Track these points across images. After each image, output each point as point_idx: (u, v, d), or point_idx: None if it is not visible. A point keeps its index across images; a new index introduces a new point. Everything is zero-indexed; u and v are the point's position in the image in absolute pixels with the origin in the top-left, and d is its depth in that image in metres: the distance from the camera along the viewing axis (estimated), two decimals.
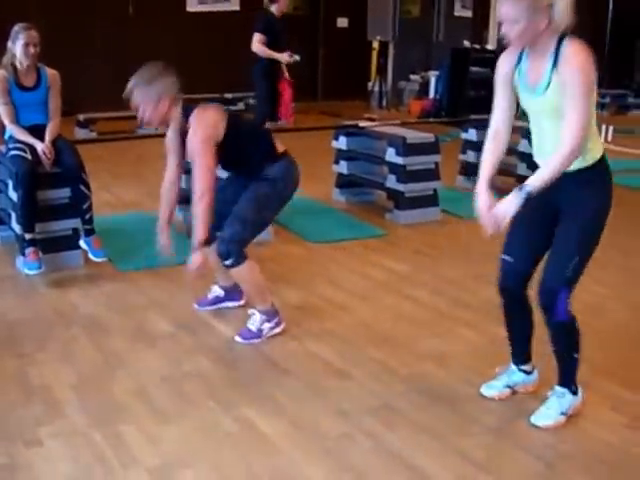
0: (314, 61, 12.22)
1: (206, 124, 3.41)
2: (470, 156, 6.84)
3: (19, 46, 4.36)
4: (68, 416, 2.91)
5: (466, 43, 10.99)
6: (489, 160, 2.89)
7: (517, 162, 6.44)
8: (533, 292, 2.84)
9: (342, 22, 12.60)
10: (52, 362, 3.37)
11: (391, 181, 5.80)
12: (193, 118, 3.42)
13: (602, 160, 2.74)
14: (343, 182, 6.35)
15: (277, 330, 3.65)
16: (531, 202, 2.74)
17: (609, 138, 9.50)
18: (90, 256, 4.47)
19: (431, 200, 5.81)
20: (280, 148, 3.66)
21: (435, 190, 5.82)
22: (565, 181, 2.67)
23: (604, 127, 9.59)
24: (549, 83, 2.61)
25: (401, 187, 5.70)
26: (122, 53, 11.13)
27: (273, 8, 7.78)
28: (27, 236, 4.28)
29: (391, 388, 3.17)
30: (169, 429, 2.84)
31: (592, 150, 2.70)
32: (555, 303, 2.72)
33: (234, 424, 2.88)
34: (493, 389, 3.09)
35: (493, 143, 2.90)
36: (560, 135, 2.60)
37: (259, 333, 3.61)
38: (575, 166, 2.66)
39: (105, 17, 10.94)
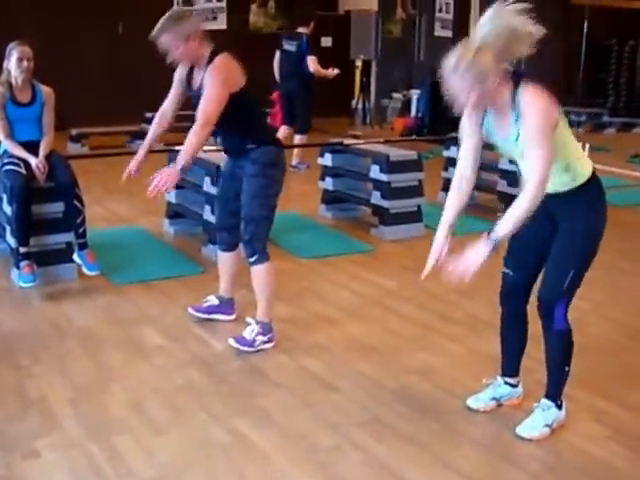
0: None
1: (230, 69, 3.53)
2: (452, 173, 6.89)
3: (13, 61, 4.41)
4: (64, 428, 2.96)
5: None
6: (453, 207, 2.94)
7: (498, 179, 6.57)
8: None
9: (326, 41, 12.73)
10: (48, 374, 3.42)
11: (376, 197, 5.90)
12: (219, 59, 3.51)
13: (593, 177, 2.82)
14: (329, 198, 6.44)
15: (268, 345, 3.73)
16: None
17: (585, 155, 9.69)
18: (84, 270, 4.52)
19: (415, 216, 5.92)
20: (273, 134, 3.80)
21: (419, 206, 5.93)
22: (559, 200, 2.76)
23: (580, 145, 9.79)
24: (517, 135, 2.66)
25: (386, 203, 5.81)
26: (112, 70, 11.24)
27: (306, 30, 8.27)
28: (22, 249, 4.33)
29: (379, 401, 3.23)
30: (163, 440, 2.89)
31: (581, 170, 2.78)
32: (553, 314, 2.83)
33: (226, 436, 2.93)
34: (479, 402, 3.17)
35: (458, 192, 2.93)
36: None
37: (252, 343, 3.69)
38: (567, 187, 2.74)
39: (96, 35, 11.05)
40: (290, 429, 2.99)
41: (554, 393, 2.96)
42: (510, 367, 3.15)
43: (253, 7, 12.77)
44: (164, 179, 3.40)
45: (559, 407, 2.98)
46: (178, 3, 11.86)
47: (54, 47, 9.54)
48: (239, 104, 3.54)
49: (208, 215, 5.18)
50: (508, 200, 6.61)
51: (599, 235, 2.87)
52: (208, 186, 5.18)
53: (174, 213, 5.82)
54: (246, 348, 3.67)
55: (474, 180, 2.93)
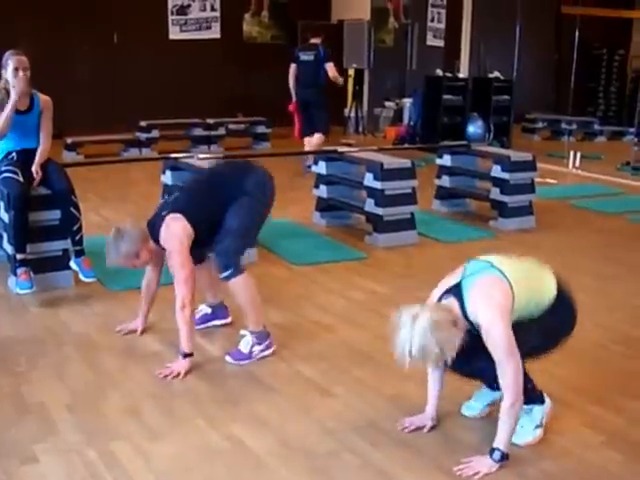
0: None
1: (177, 240, 3.53)
2: (445, 181, 7.03)
3: (9, 71, 4.43)
4: (62, 433, 2.97)
5: (438, 71, 11.23)
6: (435, 389, 3.07)
7: (491, 187, 6.63)
8: None
9: None
10: (46, 380, 3.43)
11: (370, 205, 5.94)
12: (164, 241, 3.56)
13: (558, 301, 2.89)
14: (323, 206, 6.48)
15: (267, 352, 3.73)
16: None
17: (577, 164, 9.78)
18: (81, 277, 4.54)
19: (408, 223, 5.96)
20: (245, 166, 3.84)
21: (412, 214, 5.97)
22: None
23: (572, 153, 9.88)
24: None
25: (379, 211, 5.85)
26: (107, 79, 11.33)
27: (319, 40, 8.79)
28: (19, 256, 4.34)
29: (375, 407, 3.25)
30: (161, 446, 2.91)
31: (548, 296, 2.87)
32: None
33: (223, 441, 2.95)
34: (473, 410, 3.19)
35: (436, 373, 3.04)
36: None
37: (249, 355, 3.69)
38: (531, 316, 2.84)
39: (91, 45, 11.13)
40: (287, 435, 3.01)
41: (528, 401, 2.94)
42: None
43: (246, 16, 12.86)
44: (175, 371, 3.50)
45: (541, 402, 3.00)
46: (173, 13, 11.94)
47: (49, 56, 9.60)
48: (205, 227, 3.61)
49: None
50: (501, 208, 6.72)
51: (565, 331, 2.99)
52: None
53: None
54: (244, 362, 3.66)
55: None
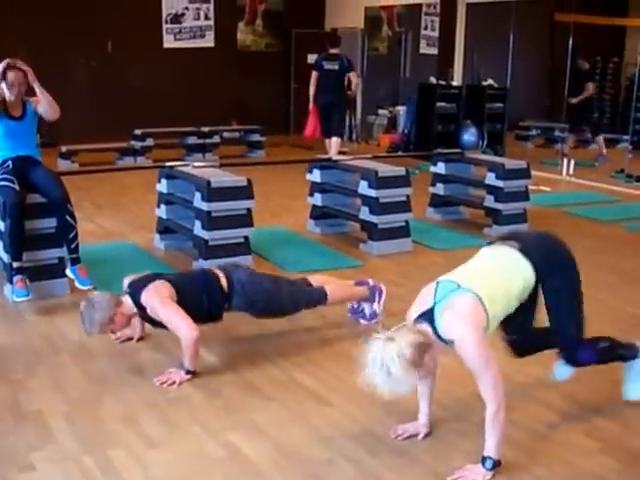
0: (286, 95, 12.48)
1: (159, 295, 3.58)
2: (439, 189, 7.05)
3: (4, 85, 4.49)
4: (59, 441, 2.98)
5: (432, 79, 11.28)
6: (425, 397, 3.09)
7: (485, 195, 6.66)
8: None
9: (312, 58, 12.89)
10: (42, 388, 3.44)
11: (364, 213, 5.96)
12: (146, 300, 3.59)
13: (541, 269, 2.99)
14: (318, 214, 6.50)
15: (382, 301, 4.29)
16: None
17: (571, 171, 9.82)
18: (77, 284, 4.56)
19: (403, 231, 5.98)
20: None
21: (407, 222, 5.99)
22: None
23: (565, 161, 9.93)
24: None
25: (374, 219, 5.87)
26: (102, 88, 11.35)
27: (339, 50, 9.61)
28: (15, 264, 4.36)
29: (371, 414, 3.26)
30: (157, 454, 2.92)
31: (525, 290, 2.96)
32: (578, 360, 3.11)
33: (219, 449, 2.96)
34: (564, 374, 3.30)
35: (426, 382, 3.04)
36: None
37: (375, 313, 4.26)
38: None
39: (86, 54, 11.16)
40: (283, 442, 3.02)
41: (630, 357, 3.20)
42: None
43: (241, 25, 12.90)
44: (172, 380, 3.53)
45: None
46: (166, 22, 11.98)
47: (43, 64, 9.56)
48: (188, 300, 3.66)
49: (198, 230, 5.22)
50: (495, 215, 6.74)
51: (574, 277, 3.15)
52: (198, 202, 5.22)
53: (164, 228, 5.86)
54: (374, 320, 4.16)
55: (436, 370, 3.04)
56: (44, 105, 4.60)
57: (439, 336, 2.77)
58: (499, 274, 2.94)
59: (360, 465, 2.87)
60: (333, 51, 9.57)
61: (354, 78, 9.68)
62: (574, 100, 11.15)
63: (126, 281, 3.79)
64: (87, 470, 2.79)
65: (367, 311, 4.28)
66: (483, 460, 2.75)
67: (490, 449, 2.75)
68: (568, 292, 3.04)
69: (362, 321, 4.26)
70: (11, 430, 3.07)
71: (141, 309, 3.62)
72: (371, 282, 4.34)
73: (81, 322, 3.58)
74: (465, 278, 2.88)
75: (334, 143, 9.38)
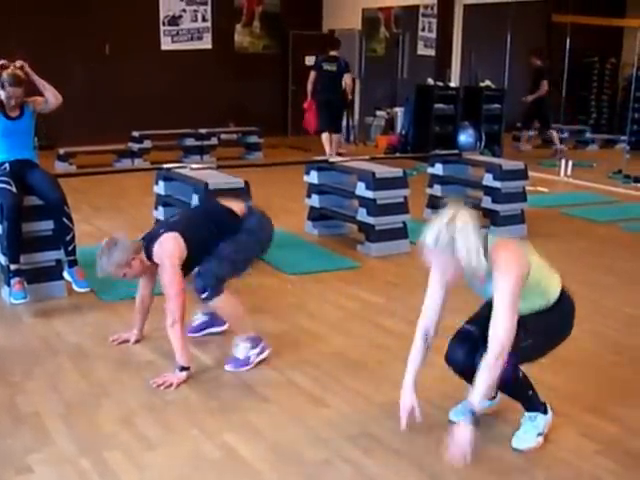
0: (284, 97, 12.50)
1: (169, 258, 3.56)
2: (437, 190, 7.05)
3: (2, 95, 4.51)
4: (56, 444, 2.99)
5: (429, 80, 11.30)
6: (417, 361, 3.02)
7: (482, 196, 6.66)
8: None
9: (310, 60, 12.91)
10: (40, 391, 3.45)
11: (362, 214, 5.96)
12: (156, 256, 3.59)
13: (562, 294, 2.94)
14: (315, 215, 6.51)
15: (263, 355, 3.77)
16: None
17: (569, 172, 9.83)
18: (74, 287, 4.56)
19: (401, 232, 5.98)
20: (241, 211, 3.83)
21: (404, 223, 5.99)
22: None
23: (563, 162, 9.94)
24: (492, 288, 2.76)
25: (372, 220, 5.87)
26: (100, 90, 11.36)
27: (337, 52, 10.22)
28: (12, 267, 4.36)
29: (368, 415, 3.26)
30: (154, 456, 2.92)
31: (554, 291, 2.91)
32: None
33: (216, 450, 2.96)
34: (462, 415, 3.21)
35: (423, 343, 3.02)
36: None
37: (247, 360, 3.72)
38: (539, 309, 2.88)
39: (83, 56, 11.18)
40: (280, 444, 3.03)
41: (532, 407, 3.03)
42: None
43: (238, 27, 12.92)
44: (169, 381, 3.51)
45: (544, 412, 3.04)
46: (164, 24, 11.99)
47: (41, 67, 9.57)
48: (199, 248, 3.64)
49: None
50: (492, 216, 6.74)
51: (562, 333, 3.00)
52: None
53: None
54: (244, 368, 3.69)
55: (435, 333, 3.02)
56: (47, 96, 4.63)
57: (485, 251, 2.72)
58: (544, 265, 2.94)
59: (357, 466, 2.87)
60: (333, 53, 10.13)
61: (348, 79, 10.17)
62: (529, 98, 11.37)
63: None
64: (84, 472, 2.79)
65: (241, 353, 3.74)
66: (463, 410, 2.73)
67: (474, 399, 2.70)
68: (554, 325, 2.97)
69: (229, 367, 3.72)
70: (8, 432, 3.07)
71: (150, 260, 3.61)
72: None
73: (97, 259, 3.58)
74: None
75: (335, 140, 10.15)
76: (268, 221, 3.92)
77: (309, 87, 10.11)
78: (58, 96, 4.68)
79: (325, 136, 10.09)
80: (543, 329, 2.90)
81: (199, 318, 4.13)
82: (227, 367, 3.71)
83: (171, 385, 3.50)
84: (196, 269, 3.69)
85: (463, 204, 2.74)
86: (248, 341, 3.74)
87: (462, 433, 2.70)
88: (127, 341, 3.98)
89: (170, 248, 3.57)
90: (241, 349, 3.74)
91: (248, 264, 3.85)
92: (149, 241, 3.64)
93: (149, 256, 3.61)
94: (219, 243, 3.69)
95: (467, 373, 2.96)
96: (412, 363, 3.02)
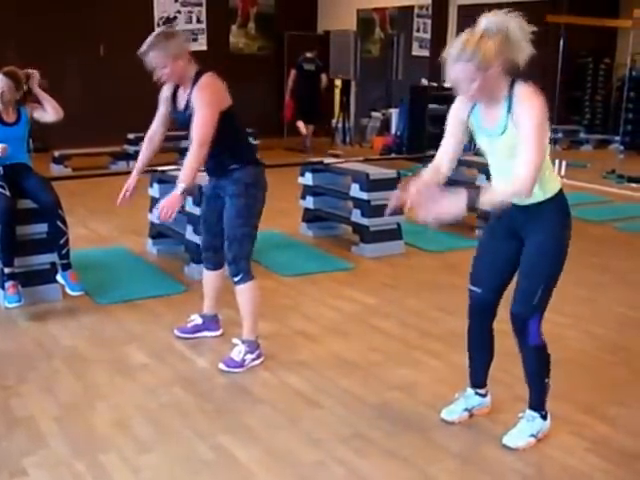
0: (279, 98, 12.50)
1: (217, 88, 3.56)
2: None
3: None
4: (51, 446, 2.99)
5: (424, 81, 11.31)
6: (431, 171, 2.95)
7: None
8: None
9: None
10: (34, 394, 3.45)
11: (356, 215, 5.98)
12: (205, 78, 3.54)
13: (560, 193, 2.89)
14: (310, 217, 6.52)
15: (257, 362, 3.78)
16: (495, 232, 2.93)
17: (562, 172, 9.84)
18: (67, 290, 4.56)
19: (395, 234, 6.00)
20: (255, 154, 3.87)
21: (399, 224, 6.00)
22: (526, 213, 2.82)
23: (557, 162, 9.95)
24: (505, 127, 2.71)
25: (366, 221, 5.89)
26: (94, 92, 11.34)
27: (314, 54, 11.75)
28: (6, 270, 4.36)
29: (362, 416, 3.27)
30: (149, 458, 2.93)
31: (551, 184, 2.85)
32: (527, 329, 2.87)
33: (211, 452, 2.97)
34: (453, 414, 3.23)
35: (433, 173, 2.95)
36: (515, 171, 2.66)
37: (242, 363, 3.73)
38: (536, 199, 2.79)
39: (77, 57, 11.16)
40: (274, 445, 3.04)
41: (537, 405, 3.04)
42: (479, 379, 3.24)
43: (233, 28, 12.92)
44: (167, 208, 3.44)
45: (544, 417, 3.05)
46: (159, 25, 11.98)
47: (35, 68, 9.59)
48: (226, 124, 3.57)
49: (190, 235, 5.23)
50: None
51: (565, 248, 2.92)
52: (190, 206, 5.23)
53: (157, 233, 5.86)
54: (237, 369, 3.71)
55: (447, 173, 2.96)
56: (48, 110, 4.63)
57: (511, 89, 2.69)
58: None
59: (350, 467, 2.88)
60: (309, 55, 11.65)
61: (324, 78, 11.81)
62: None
63: None
64: (79, 475, 2.80)
65: (237, 355, 3.74)
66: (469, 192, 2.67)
67: (483, 197, 2.66)
68: (554, 255, 2.90)
69: (223, 366, 3.72)
70: (3, 435, 3.07)
71: (194, 81, 3.53)
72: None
73: (147, 41, 3.49)
74: None
75: (311, 128, 11.80)
76: (264, 177, 3.84)
77: (290, 84, 11.67)
78: (59, 111, 4.67)
79: (301, 123, 11.68)
80: (546, 266, 2.86)
81: (194, 320, 4.14)
82: (221, 365, 3.73)
83: (171, 214, 3.43)
84: (227, 257, 3.70)
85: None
86: (247, 344, 3.76)
87: (454, 203, 2.66)
88: (128, 190, 3.97)
89: (217, 84, 3.54)
90: (238, 351, 3.75)
91: (257, 226, 3.83)
92: (201, 69, 3.58)
93: (198, 77, 3.52)
94: (229, 155, 3.66)
95: (484, 323, 3.07)
96: (425, 174, 2.94)
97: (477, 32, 2.66)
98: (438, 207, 2.69)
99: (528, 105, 2.66)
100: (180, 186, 3.47)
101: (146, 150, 3.99)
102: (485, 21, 2.68)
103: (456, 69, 2.66)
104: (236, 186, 3.67)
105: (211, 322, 4.13)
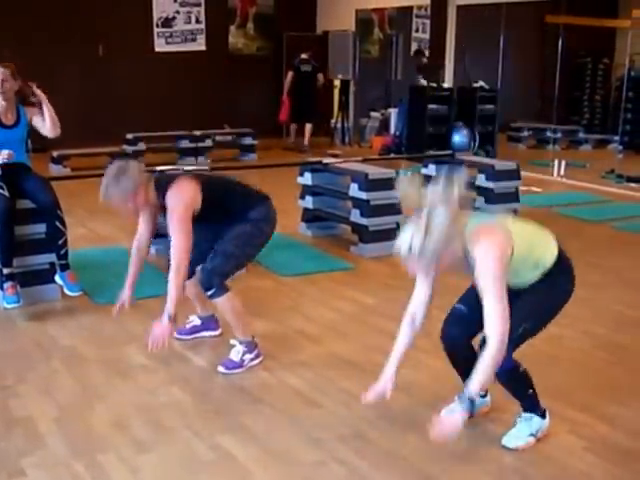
0: (278, 99, 12.48)
1: (183, 202, 3.48)
2: (430, 190, 7.05)
3: None
4: (50, 447, 2.99)
5: (423, 81, 11.32)
6: (404, 345, 3.01)
7: (476, 196, 6.69)
8: None
9: None
10: (33, 394, 3.45)
11: (355, 215, 5.97)
12: (170, 197, 3.48)
13: (557, 263, 2.89)
14: (309, 217, 6.52)
15: (256, 362, 3.78)
16: None
17: (562, 172, 9.86)
18: (65, 291, 4.55)
19: (394, 233, 5.85)
20: (258, 193, 3.81)
21: (398, 224, 5.99)
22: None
23: (557, 162, 9.97)
24: (473, 268, 2.74)
25: (365, 221, 5.88)
26: (93, 92, 11.34)
27: (309, 55, 11.92)
28: (5, 270, 4.35)
29: (361, 416, 3.26)
30: (148, 459, 2.92)
31: (549, 259, 2.87)
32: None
33: (210, 452, 2.97)
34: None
35: (410, 328, 3.00)
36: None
37: (241, 363, 3.73)
38: (535, 280, 2.84)
39: (76, 57, 11.15)
40: (273, 445, 3.03)
41: (531, 409, 3.04)
42: None
43: (232, 28, 12.91)
44: (159, 338, 3.45)
45: (542, 416, 3.05)
46: (157, 25, 11.99)
47: (34, 68, 9.56)
48: (212, 206, 3.56)
49: None
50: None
51: (561, 302, 2.95)
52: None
53: (156, 233, 5.84)
54: (237, 370, 3.70)
55: (423, 321, 3.01)
56: (46, 122, 4.60)
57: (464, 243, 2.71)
58: (536, 232, 2.95)
59: (350, 467, 2.88)
60: (304, 56, 11.82)
61: (320, 77, 12.00)
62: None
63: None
64: (77, 475, 2.79)
65: (236, 356, 3.75)
66: (460, 396, 2.70)
67: (474, 385, 2.67)
68: (547, 300, 2.93)
69: (222, 368, 3.72)
70: (1, 436, 3.07)
71: (162, 204, 3.50)
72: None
73: (105, 183, 3.41)
74: (503, 217, 2.96)
75: (308, 129, 11.88)
76: (275, 213, 3.83)
77: (287, 85, 11.87)
78: (57, 127, 4.64)
79: (293, 127, 12.10)
80: (536, 309, 2.87)
81: (192, 321, 4.14)
82: (220, 368, 3.72)
83: (163, 344, 3.43)
84: (200, 266, 3.67)
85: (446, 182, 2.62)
86: (244, 345, 3.75)
87: (455, 418, 2.69)
88: (123, 306, 3.82)
89: (187, 189, 3.49)
90: (236, 352, 3.75)
91: (251, 258, 3.83)
92: (165, 180, 3.54)
93: (163, 194, 3.48)
94: (225, 228, 3.62)
95: (458, 352, 3.05)
96: (396, 351, 3.01)
97: (422, 226, 2.60)
98: (442, 428, 2.71)
99: (485, 263, 2.67)
100: (167, 314, 3.45)
101: (136, 262, 3.84)
102: (427, 212, 2.62)
103: (413, 265, 2.69)
104: (247, 222, 3.67)
105: (210, 322, 4.13)
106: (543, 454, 2.99)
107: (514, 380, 2.96)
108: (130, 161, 3.53)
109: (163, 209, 3.53)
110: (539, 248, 2.89)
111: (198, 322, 4.12)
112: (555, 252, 2.90)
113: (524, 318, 2.83)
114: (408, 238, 2.62)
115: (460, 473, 2.88)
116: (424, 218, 2.59)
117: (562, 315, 4.37)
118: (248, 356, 3.75)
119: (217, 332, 4.13)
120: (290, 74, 11.89)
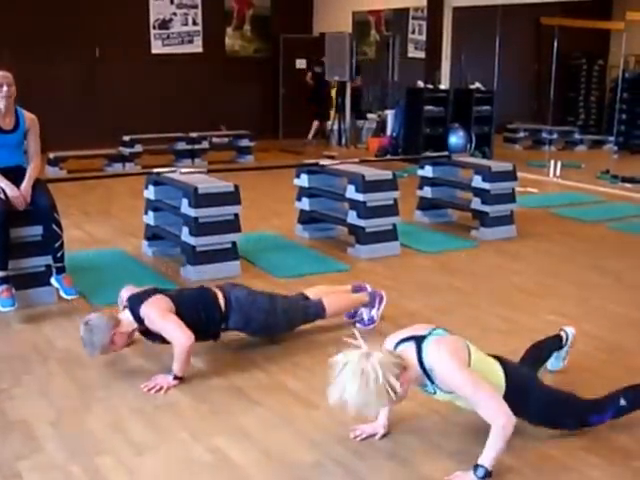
0: (275, 100, 12.52)
1: (157, 308, 3.60)
2: (427, 192, 7.07)
3: None
4: (46, 450, 2.98)
5: (420, 83, 11.33)
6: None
7: (472, 197, 6.69)
8: None
9: (301, 63, 12.96)
10: (29, 397, 3.44)
11: (352, 217, 5.98)
12: (146, 319, 3.60)
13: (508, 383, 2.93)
14: (306, 218, 6.51)
15: (382, 306, 4.37)
16: None
17: (557, 173, 9.88)
18: (61, 293, 4.53)
19: (391, 235, 6.00)
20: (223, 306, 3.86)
21: (394, 225, 6.01)
22: None
23: (552, 162, 9.98)
24: (435, 392, 2.85)
25: (362, 222, 5.89)
26: (90, 93, 11.34)
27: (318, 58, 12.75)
28: (0, 273, 4.33)
29: (359, 418, 3.22)
30: (145, 460, 2.92)
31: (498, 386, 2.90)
32: None
33: (207, 454, 2.96)
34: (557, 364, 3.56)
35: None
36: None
37: (372, 319, 4.32)
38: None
39: (73, 59, 11.15)
40: (271, 446, 3.03)
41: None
42: None
43: (229, 30, 12.92)
44: (159, 386, 3.53)
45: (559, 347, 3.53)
46: (154, 27, 11.99)
47: (31, 70, 9.60)
48: (187, 315, 3.67)
49: (186, 237, 5.23)
50: (482, 217, 6.76)
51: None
52: (186, 208, 5.23)
53: (152, 235, 5.86)
54: (371, 326, 4.28)
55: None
56: (32, 160, 4.62)
57: (421, 361, 2.79)
58: (486, 359, 2.99)
59: (348, 468, 2.88)
60: (318, 58, 12.28)
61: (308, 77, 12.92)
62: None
63: (124, 294, 3.80)
64: (74, 478, 2.79)
65: (365, 316, 4.33)
66: (475, 468, 2.74)
67: (486, 459, 2.73)
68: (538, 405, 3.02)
69: (359, 326, 4.22)
70: None
71: (140, 322, 3.62)
72: (369, 288, 4.45)
73: (83, 346, 3.58)
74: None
75: (315, 125, 12.74)
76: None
77: (310, 84, 12.80)
78: (38, 169, 4.65)
79: (315, 124, 12.84)
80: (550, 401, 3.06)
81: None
82: (357, 325, 4.20)
83: (161, 389, 3.51)
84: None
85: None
86: (366, 306, 4.31)
87: (471, 477, 2.75)
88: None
89: (157, 305, 3.62)
90: (364, 313, 4.31)
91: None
92: (135, 302, 3.66)
93: (136, 315, 3.61)
94: (209, 325, 3.80)
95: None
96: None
97: (381, 382, 2.63)
98: None
99: (446, 373, 2.77)
100: (174, 374, 3.58)
101: None
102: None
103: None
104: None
105: (372, 298, 4.34)
106: (541, 453, 2.99)
107: (624, 409, 3.12)
108: (91, 316, 3.61)
109: (143, 324, 3.63)
110: (488, 374, 2.90)
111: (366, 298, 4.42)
112: (502, 377, 2.94)
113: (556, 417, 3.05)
114: (338, 388, 2.72)
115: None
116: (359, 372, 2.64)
117: (563, 316, 4.41)
118: (375, 311, 4.33)
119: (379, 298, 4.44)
120: (309, 75, 12.71)
